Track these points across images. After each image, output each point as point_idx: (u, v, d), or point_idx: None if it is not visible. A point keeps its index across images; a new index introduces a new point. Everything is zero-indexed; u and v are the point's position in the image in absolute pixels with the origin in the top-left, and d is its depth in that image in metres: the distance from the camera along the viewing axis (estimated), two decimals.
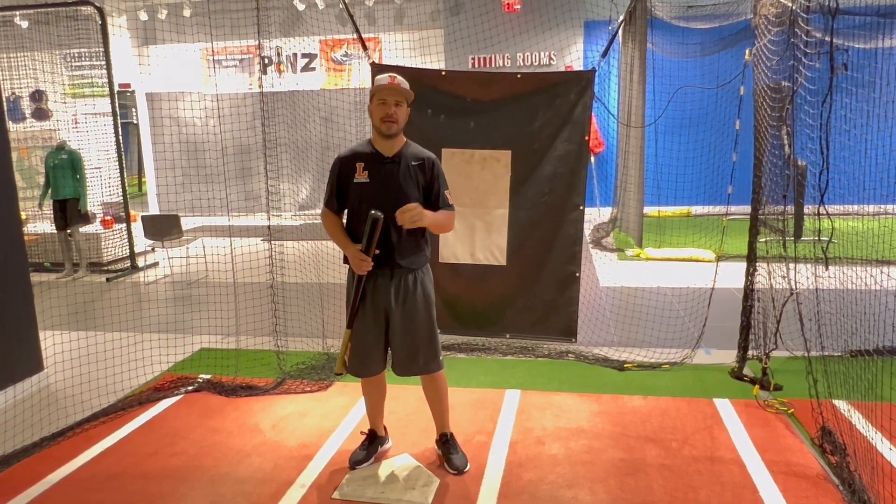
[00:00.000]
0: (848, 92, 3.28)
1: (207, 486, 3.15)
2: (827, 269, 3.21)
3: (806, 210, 7.21)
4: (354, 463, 3.27)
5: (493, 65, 11.59)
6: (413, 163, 3.02)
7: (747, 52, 4.24)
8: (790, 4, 3.46)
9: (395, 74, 2.99)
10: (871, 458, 2.95)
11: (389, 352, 3.18)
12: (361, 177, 3.00)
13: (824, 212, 3.05)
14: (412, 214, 2.86)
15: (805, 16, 3.31)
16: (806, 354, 3.57)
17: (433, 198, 3.07)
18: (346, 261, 3.08)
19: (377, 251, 2.95)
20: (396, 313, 3.04)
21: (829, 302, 3.42)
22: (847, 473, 2.96)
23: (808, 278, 3.58)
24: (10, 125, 12.45)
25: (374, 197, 2.97)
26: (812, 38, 3.31)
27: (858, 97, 3.36)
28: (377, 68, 4.77)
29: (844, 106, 3.18)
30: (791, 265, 3.75)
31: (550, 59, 11.52)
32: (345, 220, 3.14)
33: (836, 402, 3.55)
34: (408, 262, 3.02)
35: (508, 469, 3.23)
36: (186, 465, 3.36)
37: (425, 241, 3.13)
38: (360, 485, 3.11)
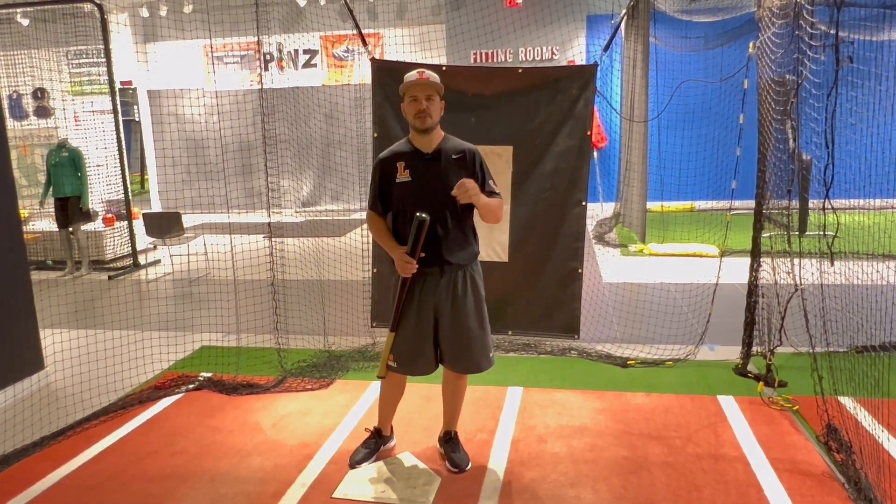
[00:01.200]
0: (853, 85, 3.23)
1: (208, 486, 3.13)
2: (833, 264, 3.17)
3: (811, 204, 7.17)
4: (355, 461, 3.24)
5: (495, 60, 11.54)
6: (454, 156, 2.98)
7: (751, 45, 4.19)
8: None
9: (423, 69, 2.95)
10: (877, 455, 2.91)
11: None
12: (403, 176, 2.96)
13: (829, 206, 3.01)
14: (469, 188, 2.80)
15: (810, 7, 3.27)
16: (811, 351, 3.54)
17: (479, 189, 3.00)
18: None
19: (422, 254, 2.91)
20: (446, 312, 2.99)
21: (834, 298, 3.38)
22: (853, 471, 2.93)
23: (812, 274, 3.54)
24: (13, 123, 12.46)
25: (417, 195, 2.93)
26: (817, 31, 3.27)
27: (864, 90, 3.31)
28: (377, 64, 4.74)
29: (850, 99, 3.13)
30: (796, 260, 3.72)
31: (553, 53, 11.46)
32: (390, 221, 3.09)
33: (842, 399, 3.51)
34: (457, 259, 2.98)
35: (510, 467, 3.20)
36: (187, 464, 3.34)
37: (474, 236, 3.08)
38: (361, 484, 3.09)
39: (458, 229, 2.99)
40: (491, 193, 3.00)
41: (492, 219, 3.03)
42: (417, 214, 2.82)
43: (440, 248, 2.94)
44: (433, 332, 3.05)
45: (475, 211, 3.03)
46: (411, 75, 2.92)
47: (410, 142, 3.02)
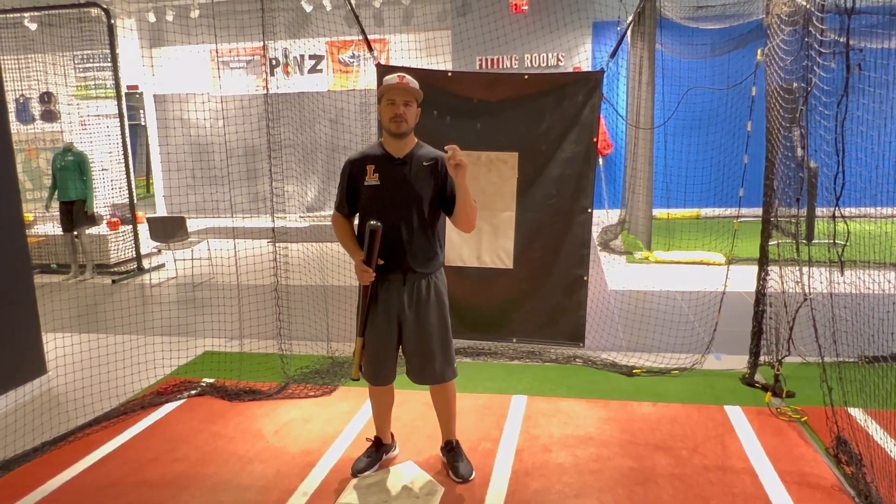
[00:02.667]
0: (863, 92, 3.20)
1: (209, 494, 3.10)
2: (843, 273, 3.13)
3: (820, 213, 7.12)
4: (357, 471, 3.21)
5: (500, 66, 11.53)
6: (424, 163, 2.96)
7: (759, 52, 4.16)
8: (805, 3, 3.39)
9: (403, 74, 2.93)
10: (888, 469, 2.87)
11: (402, 358, 3.12)
12: (372, 179, 2.94)
13: (839, 215, 2.97)
14: (456, 152, 2.76)
15: (820, 14, 3.24)
16: (820, 361, 3.49)
17: (448, 198, 2.99)
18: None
19: (381, 261, 2.89)
20: (410, 320, 2.97)
21: (844, 307, 3.34)
22: (863, 484, 2.88)
23: (821, 283, 3.49)
24: (20, 127, 12.51)
25: (385, 199, 2.91)
26: (826, 38, 3.23)
27: (874, 98, 3.28)
28: (383, 69, 4.73)
29: (861, 107, 3.09)
30: (805, 269, 3.67)
31: (559, 60, 11.45)
32: (356, 223, 3.08)
33: (852, 411, 3.46)
34: (421, 267, 2.96)
35: (514, 478, 3.16)
36: (188, 471, 3.31)
37: (439, 245, 3.06)
38: (364, 493, 3.05)
39: (424, 237, 2.96)
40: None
41: (465, 221, 2.96)
42: (369, 223, 2.81)
43: (404, 255, 2.92)
44: (397, 340, 3.04)
45: (450, 217, 3.00)
46: (391, 78, 2.90)
47: (382, 145, 3.00)
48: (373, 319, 3.00)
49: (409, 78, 2.91)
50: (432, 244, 3.01)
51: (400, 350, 3.10)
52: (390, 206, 2.89)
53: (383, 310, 2.98)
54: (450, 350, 3.09)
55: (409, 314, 2.96)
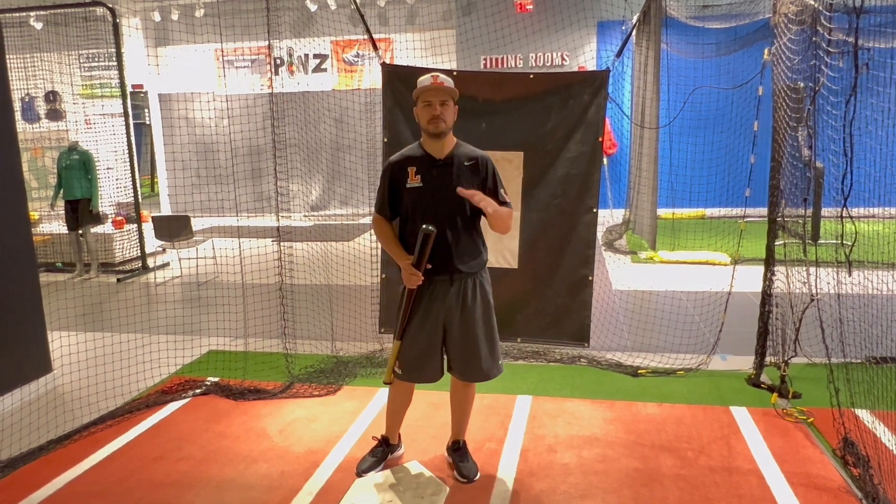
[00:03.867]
0: (871, 92, 3.18)
1: (213, 493, 3.10)
2: (850, 274, 3.11)
3: (826, 213, 7.09)
4: (362, 470, 3.20)
5: (505, 65, 11.52)
6: (466, 163, 2.94)
7: (766, 51, 4.14)
8: (813, 2, 3.37)
9: (437, 73, 2.91)
10: None
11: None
12: (414, 181, 2.91)
13: (847, 215, 2.95)
14: (478, 195, 2.77)
15: (828, 13, 3.22)
16: (827, 362, 3.47)
17: (490, 197, 2.94)
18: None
19: (429, 265, 2.88)
20: (455, 321, 2.95)
21: (851, 308, 3.32)
22: (871, 487, 2.86)
23: (828, 283, 3.48)
24: (26, 126, 12.55)
25: (428, 201, 2.89)
26: (834, 38, 3.22)
27: (881, 97, 3.26)
28: (388, 69, 4.72)
29: (868, 106, 3.07)
30: (812, 269, 3.65)
31: (563, 59, 11.42)
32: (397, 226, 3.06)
33: (859, 412, 3.44)
34: (467, 267, 2.93)
35: (519, 478, 3.15)
36: (192, 470, 3.31)
37: (483, 244, 3.05)
38: (368, 493, 3.05)
39: (468, 237, 2.96)
40: (503, 203, 2.96)
41: (501, 228, 2.97)
42: (424, 227, 2.79)
43: (450, 255, 2.90)
44: (441, 340, 3.01)
45: (482, 218, 3.00)
46: (425, 79, 2.88)
47: (422, 146, 2.98)
48: (416, 320, 2.97)
49: (442, 77, 2.89)
50: (476, 243, 3.00)
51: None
52: (434, 207, 2.87)
53: (428, 310, 2.96)
54: (496, 347, 3.07)
55: (455, 314, 2.94)
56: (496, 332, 3.08)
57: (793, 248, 4.07)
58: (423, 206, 2.90)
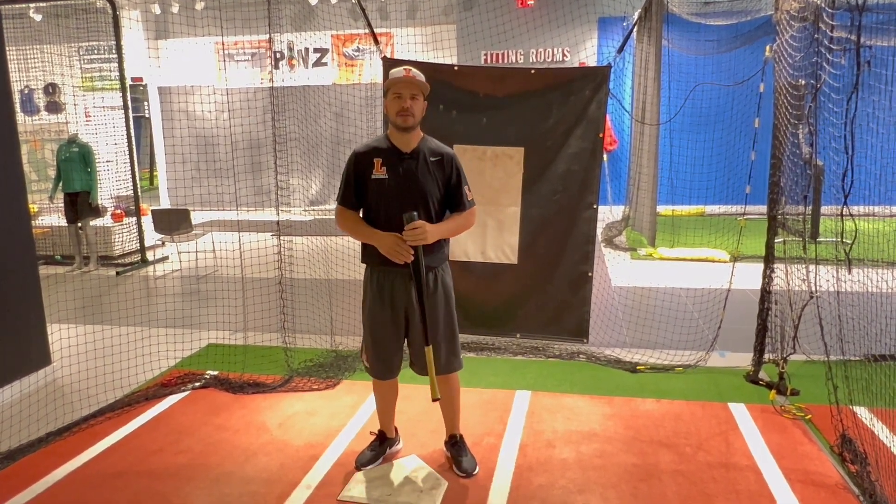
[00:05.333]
0: (872, 90, 3.18)
1: (212, 486, 3.10)
2: (850, 272, 3.12)
3: (826, 210, 7.09)
4: (361, 464, 3.21)
5: (505, 60, 11.49)
6: (432, 158, 2.94)
7: (768, 48, 4.13)
8: (816, 0, 3.36)
9: (410, 67, 2.90)
10: (893, 467, 2.86)
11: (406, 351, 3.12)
12: (379, 173, 2.91)
13: (847, 213, 2.95)
14: (416, 234, 2.78)
15: (830, 11, 3.21)
16: (825, 359, 3.48)
17: (453, 194, 2.99)
18: (364, 259, 3.03)
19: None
20: (418, 313, 2.96)
21: (850, 306, 3.32)
22: (868, 483, 2.87)
23: (828, 281, 3.48)
24: (24, 118, 12.51)
25: (392, 193, 2.89)
26: (836, 35, 3.21)
27: (883, 95, 3.25)
28: (389, 63, 4.71)
29: (870, 104, 3.07)
30: (811, 267, 3.66)
31: (564, 55, 11.40)
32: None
33: (857, 409, 3.45)
34: (428, 261, 2.93)
35: (518, 473, 3.16)
36: (191, 463, 3.32)
37: (445, 239, 3.06)
38: (367, 486, 3.05)
39: None
40: (464, 202, 2.99)
41: (456, 235, 3.05)
42: (406, 214, 2.79)
43: (413, 249, 2.89)
44: (404, 335, 3.05)
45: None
46: (397, 71, 2.87)
47: (389, 139, 2.97)
48: (379, 313, 3.00)
49: (415, 71, 2.89)
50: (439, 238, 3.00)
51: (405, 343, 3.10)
52: (398, 199, 2.88)
53: (390, 303, 2.98)
54: (455, 342, 3.09)
55: (417, 308, 2.95)
56: (456, 327, 3.11)
57: (792, 246, 4.07)
58: (387, 199, 2.89)
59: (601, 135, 4.59)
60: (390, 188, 2.90)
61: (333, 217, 3.07)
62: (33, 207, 9.84)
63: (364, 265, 3.07)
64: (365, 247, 3.00)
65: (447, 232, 2.97)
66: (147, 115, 13.45)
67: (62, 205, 8.02)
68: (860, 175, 3.05)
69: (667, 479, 3.09)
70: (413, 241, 2.80)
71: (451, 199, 3.00)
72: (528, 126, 4.63)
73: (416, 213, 2.80)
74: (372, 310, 3.03)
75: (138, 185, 8.50)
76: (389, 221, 2.87)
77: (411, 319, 2.99)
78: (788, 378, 3.97)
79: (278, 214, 4.72)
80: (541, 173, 4.66)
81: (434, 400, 2.90)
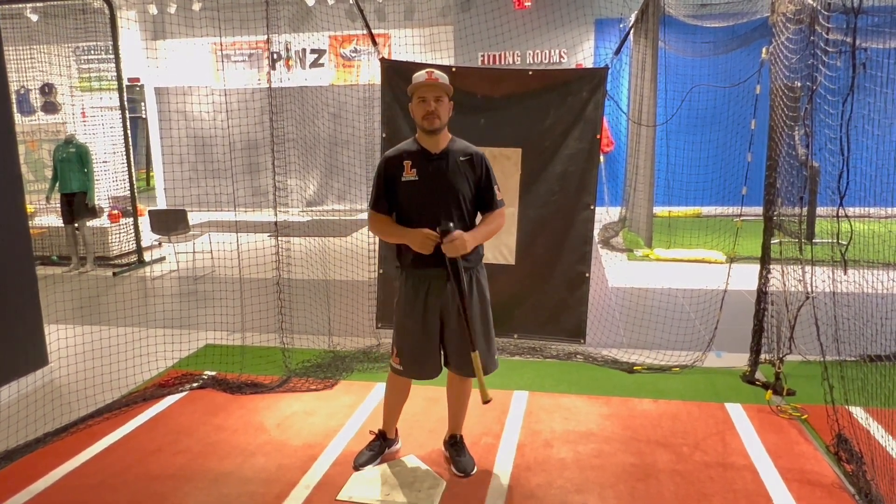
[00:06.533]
0: (867, 92, 3.20)
1: (211, 486, 3.11)
2: (846, 272, 3.14)
3: (822, 211, 7.12)
4: (360, 464, 3.22)
5: (503, 62, 11.52)
6: (461, 158, 2.95)
7: (764, 50, 4.16)
8: (811, 2, 3.38)
9: (432, 69, 2.92)
10: (889, 467, 2.88)
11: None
12: (409, 175, 2.91)
13: (843, 214, 2.98)
14: (455, 246, 2.78)
15: (826, 13, 3.23)
16: (821, 359, 3.50)
17: (484, 194, 2.99)
18: (398, 261, 3.03)
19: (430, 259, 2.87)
20: (452, 315, 2.96)
21: (846, 306, 3.34)
22: (864, 482, 2.89)
23: (824, 281, 3.50)
24: (21, 118, 12.48)
25: (423, 195, 2.90)
26: (832, 37, 3.23)
27: (877, 97, 3.28)
28: (386, 64, 4.72)
29: (865, 106, 3.10)
30: (807, 268, 3.68)
31: (561, 56, 11.43)
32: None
33: (853, 409, 3.47)
34: (464, 262, 2.93)
35: (516, 472, 3.17)
36: (190, 463, 3.32)
37: None
38: (365, 486, 3.06)
39: (464, 231, 2.97)
40: (494, 202, 3.00)
41: (493, 236, 3.05)
42: (442, 223, 2.79)
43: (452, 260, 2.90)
44: (439, 336, 3.03)
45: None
46: (420, 75, 2.88)
47: (417, 141, 2.98)
48: (414, 316, 2.99)
49: (437, 73, 2.89)
50: None
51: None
52: (430, 201, 2.88)
53: (426, 306, 2.97)
54: (492, 343, 3.09)
55: (452, 309, 2.94)
56: (492, 327, 3.10)
57: (788, 247, 4.10)
58: (419, 200, 2.91)
59: (598, 136, 4.60)
60: (421, 189, 2.90)
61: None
62: (30, 208, 9.81)
63: (398, 267, 3.07)
64: (399, 250, 3.01)
65: (483, 237, 2.96)
66: (144, 116, 13.44)
67: (59, 205, 8.00)
68: (856, 176, 3.07)
69: (664, 478, 3.10)
70: (453, 252, 2.79)
71: (481, 199, 3.01)
72: (526, 127, 4.64)
73: (451, 224, 2.80)
74: (405, 311, 3.02)
75: (135, 186, 8.49)
76: (422, 223, 2.86)
77: (446, 322, 2.98)
78: (785, 378, 3.99)
79: (276, 215, 4.72)
80: (538, 174, 4.68)
81: (485, 402, 2.93)
